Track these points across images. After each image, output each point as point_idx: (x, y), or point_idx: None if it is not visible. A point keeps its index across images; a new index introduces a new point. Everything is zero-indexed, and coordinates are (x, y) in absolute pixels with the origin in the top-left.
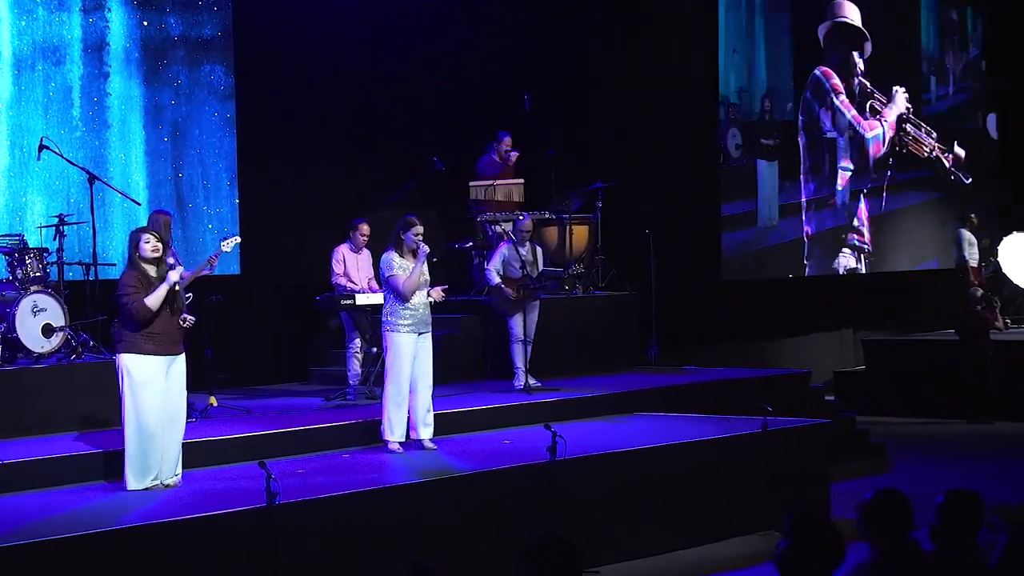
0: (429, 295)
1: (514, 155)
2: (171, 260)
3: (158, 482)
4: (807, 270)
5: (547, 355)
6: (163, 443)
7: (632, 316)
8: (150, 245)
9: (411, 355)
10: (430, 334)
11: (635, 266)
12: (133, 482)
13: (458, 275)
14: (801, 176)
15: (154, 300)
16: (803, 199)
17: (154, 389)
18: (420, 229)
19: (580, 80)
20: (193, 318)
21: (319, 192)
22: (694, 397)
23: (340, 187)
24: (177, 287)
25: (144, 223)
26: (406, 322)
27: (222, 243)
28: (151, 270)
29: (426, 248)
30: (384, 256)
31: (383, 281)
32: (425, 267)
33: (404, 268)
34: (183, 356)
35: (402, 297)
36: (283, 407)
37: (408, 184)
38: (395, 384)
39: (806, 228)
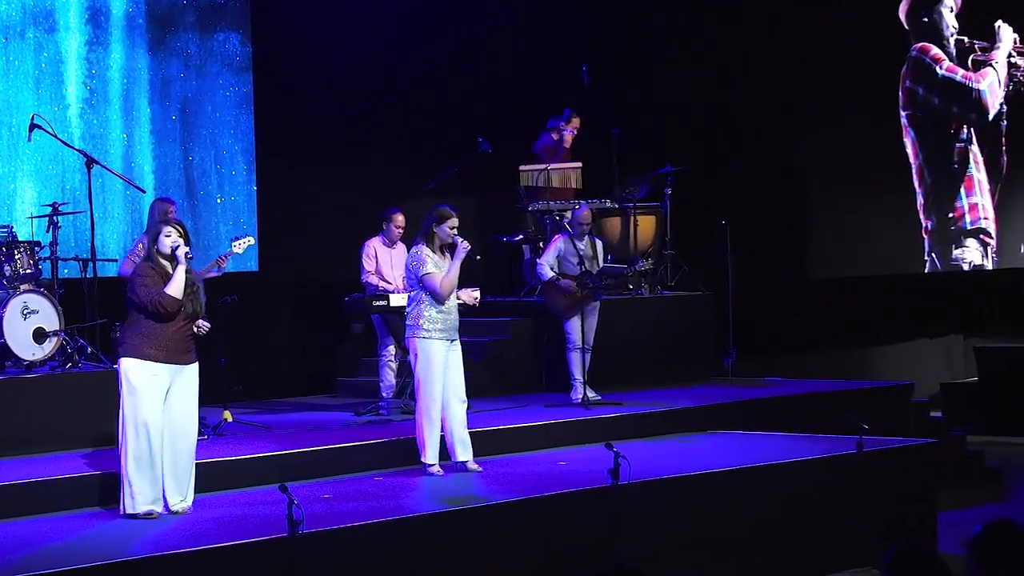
0: (459, 297)
1: (570, 133)
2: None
3: (159, 508)
4: (926, 266)
5: (608, 364)
6: (168, 463)
7: (706, 319)
8: (171, 239)
9: (443, 364)
10: (459, 341)
11: (709, 262)
12: (129, 507)
13: (507, 272)
14: (915, 175)
15: (176, 288)
16: (919, 195)
17: (155, 400)
18: (455, 221)
19: (646, 50)
20: (209, 324)
21: (348, 178)
22: (778, 413)
23: (372, 172)
24: (194, 282)
25: (143, 212)
26: (437, 326)
27: (233, 243)
28: (168, 267)
29: (466, 245)
30: (413, 251)
31: (412, 280)
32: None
33: (439, 266)
34: (195, 367)
35: (438, 299)
36: (307, 423)
37: (450, 168)
38: (428, 397)
39: (925, 223)
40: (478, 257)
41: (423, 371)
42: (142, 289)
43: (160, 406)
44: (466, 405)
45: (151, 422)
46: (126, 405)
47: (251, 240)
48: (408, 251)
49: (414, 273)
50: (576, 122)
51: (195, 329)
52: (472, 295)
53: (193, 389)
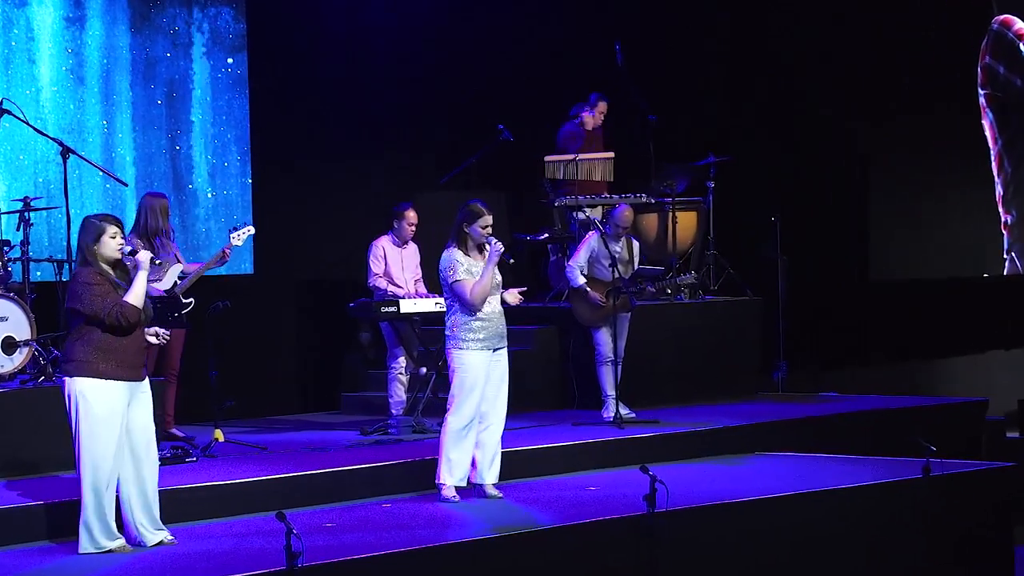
0: (503, 301)
1: (588, 115)
2: (165, 256)
3: (119, 543)
4: (1005, 267)
5: (644, 378)
6: (135, 494)
7: (753, 328)
8: (116, 241)
9: (483, 377)
10: (505, 349)
11: (757, 263)
12: (88, 543)
13: (530, 275)
14: (993, 162)
15: (138, 296)
16: (998, 185)
17: (115, 424)
18: (488, 220)
19: (685, 26)
20: (168, 333)
21: (355, 170)
22: (834, 433)
23: (382, 163)
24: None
25: (132, 208)
26: (477, 336)
27: (231, 235)
28: (112, 272)
29: (499, 246)
30: (445, 255)
31: (445, 286)
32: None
33: (471, 271)
34: (148, 382)
35: (470, 307)
36: (307, 443)
37: (467, 159)
38: (460, 414)
39: (1004, 217)
40: (511, 260)
41: (460, 384)
42: (96, 300)
43: (120, 431)
44: (503, 424)
45: (111, 450)
46: (82, 433)
47: (251, 229)
48: (418, 251)
49: (444, 280)
50: (602, 107)
51: (151, 339)
52: (515, 295)
53: (150, 407)
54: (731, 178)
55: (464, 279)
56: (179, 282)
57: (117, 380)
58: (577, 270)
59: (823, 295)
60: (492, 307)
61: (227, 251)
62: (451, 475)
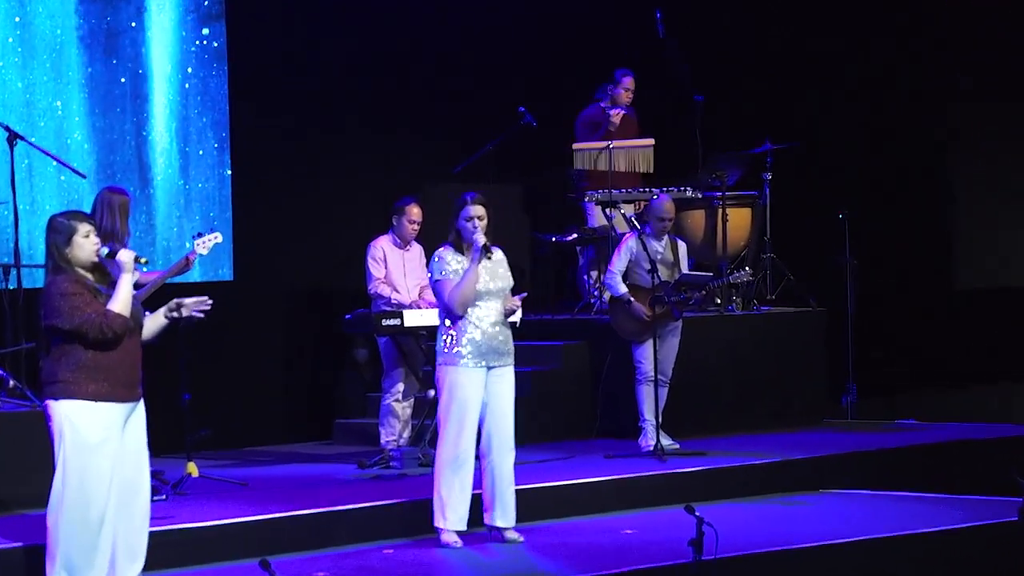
0: (509, 312)
1: (617, 112)
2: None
3: None
4: None
5: (689, 402)
6: (121, 529)
7: (817, 344)
8: (91, 241)
9: (477, 399)
10: (511, 367)
11: (821, 268)
12: None
13: (556, 282)
14: None
15: (123, 303)
16: None
17: (109, 453)
18: (475, 211)
19: None
20: (209, 301)
21: (351, 159)
22: (912, 467)
23: (383, 151)
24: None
25: (87, 205)
26: (467, 350)
27: (196, 242)
28: (88, 277)
29: (480, 239)
30: (435, 253)
31: (433, 289)
32: (505, 269)
33: (458, 270)
34: (142, 404)
35: (451, 311)
36: (296, 478)
37: (483, 146)
38: (451, 444)
39: None
40: (490, 256)
41: (446, 408)
42: (76, 312)
43: (113, 458)
44: (513, 455)
45: (103, 484)
46: (69, 464)
47: (218, 237)
48: (423, 253)
49: (431, 280)
50: (628, 82)
51: (192, 314)
52: (514, 301)
53: (143, 434)
54: (791, 169)
55: (447, 279)
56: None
57: (109, 401)
58: (618, 277)
59: (900, 306)
60: (489, 316)
61: (191, 259)
62: (445, 517)
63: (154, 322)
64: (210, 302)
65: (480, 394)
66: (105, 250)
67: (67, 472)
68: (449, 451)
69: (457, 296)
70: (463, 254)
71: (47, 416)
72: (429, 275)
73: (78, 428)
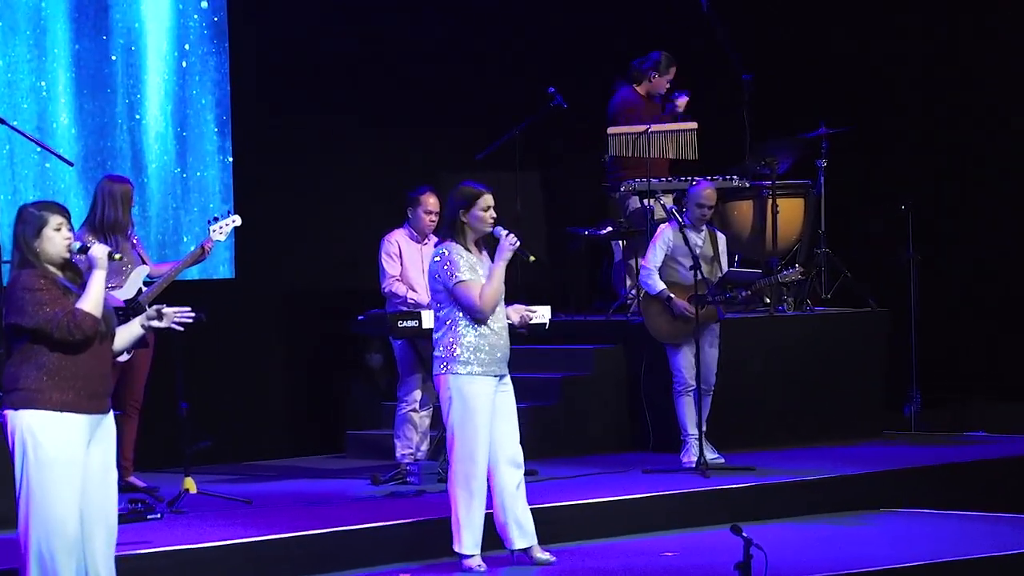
0: (509, 316)
1: (683, 99)
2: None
3: None
4: None
5: (736, 412)
6: (89, 554)
7: (877, 348)
8: (62, 235)
9: (490, 411)
10: (510, 378)
11: (881, 265)
12: None
13: (588, 280)
14: None
15: (94, 302)
16: None
17: (75, 469)
18: (490, 200)
19: None
20: (190, 314)
21: (363, 145)
22: (982, 484)
23: (398, 135)
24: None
25: (77, 194)
26: (481, 357)
27: (211, 228)
28: (58, 274)
29: (512, 238)
30: (438, 251)
31: (439, 293)
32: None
33: (477, 269)
34: (111, 416)
35: (478, 316)
36: (303, 495)
37: (509, 131)
38: (466, 461)
39: None
40: (532, 258)
41: (459, 420)
42: (41, 309)
43: (81, 476)
44: (522, 471)
45: (72, 502)
46: (32, 481)
47: (236, 221)
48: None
49: (442, 283)
50: (672, 75)
51: (171, 325)
52: (524, 312)
53: (112, 448)
54: (849, 155)
55: (469, 280)
56: (144, 289)
57: (76, 412)
58: (655, 272)
59: (969, 306)
60: (498, 320)
61: (207, 247)
62: (465, 542)
63: (128, 331)
64: (192, 313)
65: (491, 405)
66: (77, 244)
67: (31, 491)
68: (466, 468)
69: (490, 297)
70: (471, 251)
71: (6, 428)
72: (438, 276)
73: (40, 441)
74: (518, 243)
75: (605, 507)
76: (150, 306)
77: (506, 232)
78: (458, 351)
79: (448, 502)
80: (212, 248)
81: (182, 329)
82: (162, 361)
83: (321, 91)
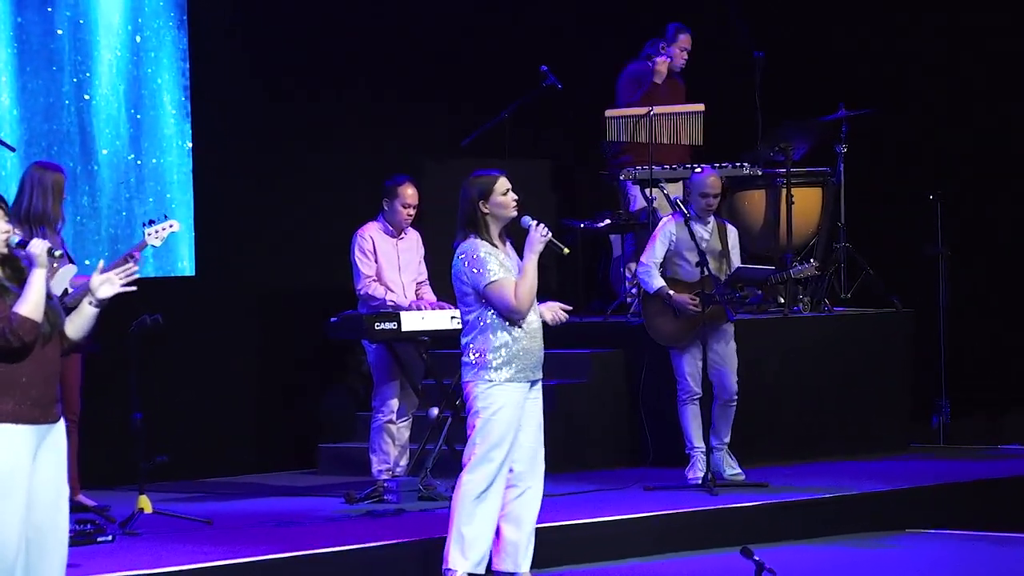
0: (542, 315)
1: (663, 59)
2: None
3: None
4: None
5: (747, 423)
6: None
7: (902, 353)
8: (0, 229)
9: (517, 420)
10: (541, 383)
11: (907, 261)
12: None
13: (584, 278)
14: None
15: (33, 305)
16: None
17: (19, 485)
18: (508, 185)
19: None
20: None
21: (336, 129)
22: (1017, 502)
23: (376, 120)
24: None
25: (15, 184)
26: (513, 363)
27: (146, 232)
28: None
29: (543, 228)
30: (463, 251)
31: (466, 297)
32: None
33: (507, 265)
34: (61, 425)
35: (515, 317)
36: (271, 514)
37: (498, 114)
38: (481, 472)
39: None
40: (566, 250)
41: (486, 431)
42: None
43: (25, 493)
44: (541, 485)
45: (14, 521)
46: None
47: (174, 226)
48: (422, 242)
49: (471, 284)
50: (684, 40)
51: (119, 289)
52: (558, 310)
53: (63, 461)
54: (871, 140)
55: (502, 278)
56: (71, 290)
57: (18, 423)
58: (655, 268)
59: (1003, 306)
60: (533, 320)
61: (136, 256)
62: (465, 558)
63: (81, 317)
64: (136, 269)
65: (519, 414)
66: (15, 239)
67: None
68: (481, 481)
69: (526, 294)
70: (497, 246)
71: None
72: (466, 278)
73: None
74: (550, 234)
75: (602, 528)
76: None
77: (536, 222)
78: (490, 356)
79: (436, 520)
80: (140, 258)
81: (134, 288)
82: (114, 367)
83: (291, 70)
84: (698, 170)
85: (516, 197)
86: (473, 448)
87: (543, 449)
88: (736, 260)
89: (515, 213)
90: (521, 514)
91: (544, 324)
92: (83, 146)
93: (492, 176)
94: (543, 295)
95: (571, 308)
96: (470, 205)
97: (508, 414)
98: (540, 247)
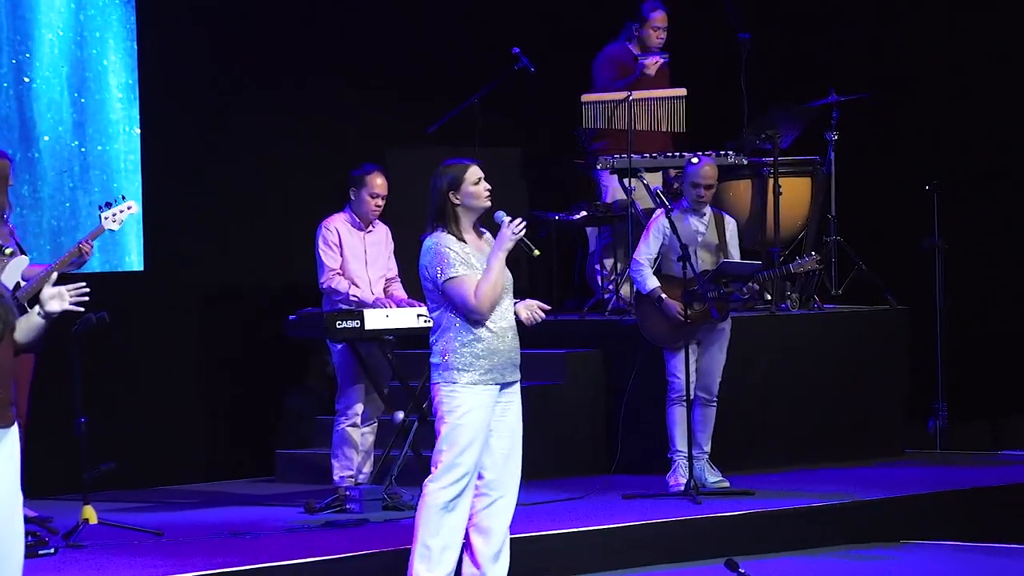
0: (518, 314)
1: (655, 60)
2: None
3: None
4: None
5: (733, 427)
6: None
7: (897, 353)
8: None
9: (486, 425)
10: (519, 385)
11: (902, 256)
12: None
13: (559, 273)
14: None
15: None
16: None
17: None
18: (481, 173)
19: None
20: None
21: (297, 116)
22: (1020, 511)
23: (339, 105)
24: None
25: None
26: (481, 363)
27: (102, 215)
28: None
29: (517, 222)
30: (428, 244)
31: (432, 293)
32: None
33: (470, 262)
34: (15, 430)
35: (474, 315)
36: (225, 525)
37: (466, 99)
38: (447, 480)
39: None
40: (536, 252)
41: (452, 437)
42: None
43: None
44: (515, 496)
45: None
46: None
47: (132, 208)
48: (390, 236)
49: (431, 280)
50: (658, 19)
51: (69, 307)
52: (535, 308)
53: (15, 467)
54: (864, 127)
55: (463, 274)
56: (23, 283)
57: None
58: (646, 268)
59: (1004, 304)
60: (503, 319)
61: (85, 248)
62: (430, 572)
63: (28, 323)
64: (87, 289)
65: (489, 417)
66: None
67: None
68: (448, 489)
69: (487, 293)
70: (467, 239)
71: None
72: (430, 272)
73: None
74: (523, 232)
75: (578, 539)
76: (28, 305)
77: (509, 219)
78: (456, 357)
79: (400, 531)
80: (99, 236)
81: (82, 309)
82: (56, 369)
83: (248, 51)
84: (696, 161)
85: (489, 187)
86: (439, 455)
87: (518, 456)
88: (735, 255)
89: (488, 204)
90: (491, 525)
91: (521, 323)
92: (23, 132)
93: (463, 165)
94: (519, 292)
95: (549, 308)
96: (440, 196)
97: (475, 418)
98: (510, 245)
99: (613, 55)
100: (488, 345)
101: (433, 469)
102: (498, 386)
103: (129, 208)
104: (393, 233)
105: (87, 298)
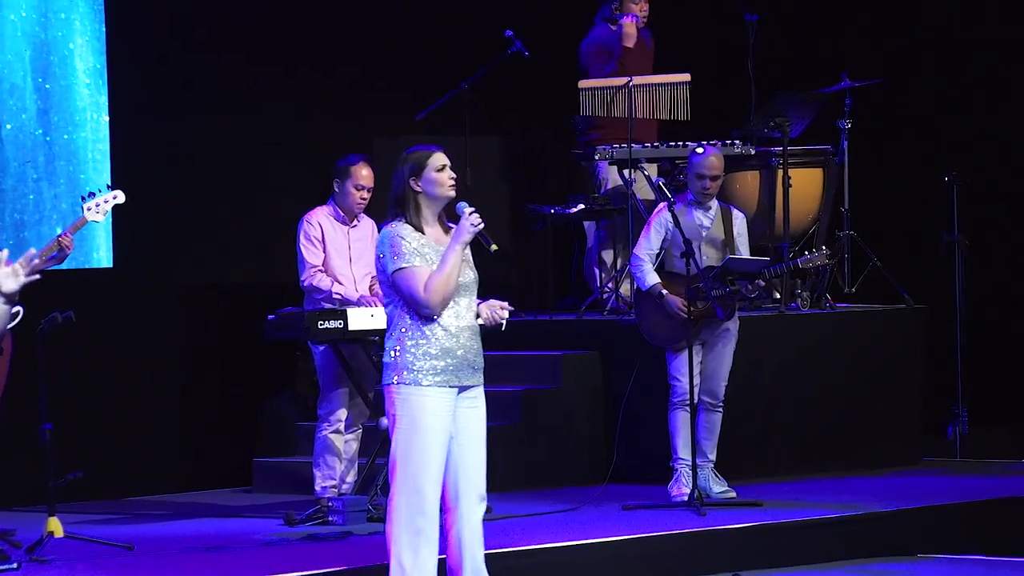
0: (478, 314)
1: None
2: None
3: None
4: None
5: (740, 434)
6: None
7: (914, 354)
8: None
9: (445, 431)
10: (481, 387)
11: (919, 251)
12: None
13: (554, 271)
14: None
15: None
16: None
17: None
18: (445, 160)
19: None
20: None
21: (277, 103)
22: None
23: (320, 95)
24: None
25: None
26: (436, 364)
27: (85, 206)
28: None
29: (475, 218)
30: (383, 233)
31: (386, 285)
32: (469, 253)
33: (423, 253)
34: None
35: (424, 311)
36: (199, 538)
37: (456, 85)
38: (411, 493)
39: None
40: (494, 247)
41: (404, 442)
42: None
43: None
44: (485, 506)
45: None
46: None
47: (119, 196)
48: (376, 230)
49: (381, 270)
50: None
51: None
52: (498, 309)
53: None
54: (879, 115)
55: (413, 266)
56: None
57: None
58: (647, 263)
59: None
60: (461, 318)
61: (65, 242)
62: None
63: None
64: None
65: (448, 424)
66: None
67: None
68: (411, 503)
69: (437, 288)
70: (427, 230)
71: None
72: (383, 261)
73: None
74: (481, 225)
75: (575, 552)
76: None
77: (470, 210)
78: (408, 356)
79: (384, 545)
80: (82, 228)
81: (39, 277)
82: (20, 372)
83: (224, 34)
84: (701, 151)
85: (454, 176)
86: (394, 464)
87: (483, 466)
88: (744, 251)
89: (451, 193)
90: (463, 534)
91: (485, 325)
92: None
93: (427, 151)
94: (488, 291)
95: (512, 308)
96: (401, 183)
97: (427, 423)
98: (468, 238)
99: (599, 40)
100: (442, 344)
101: (393, 480)
102: (455, 389)
103: (115, 197)
104: (380, 228)
105: (39, 276)
